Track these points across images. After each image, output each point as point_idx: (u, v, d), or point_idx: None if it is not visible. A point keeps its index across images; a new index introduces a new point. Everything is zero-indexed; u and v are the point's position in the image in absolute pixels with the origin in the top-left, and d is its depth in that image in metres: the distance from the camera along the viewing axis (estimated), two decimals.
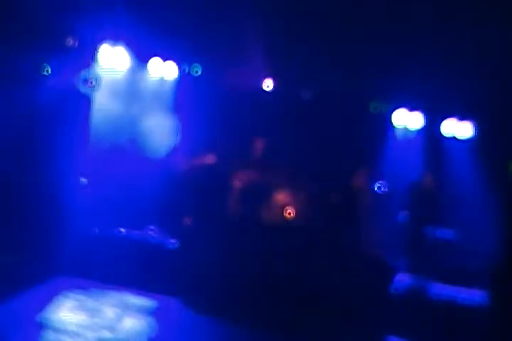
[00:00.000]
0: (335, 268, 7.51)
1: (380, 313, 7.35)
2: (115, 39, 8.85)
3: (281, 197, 9.06)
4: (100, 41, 8.83)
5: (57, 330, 6.01)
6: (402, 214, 9.05)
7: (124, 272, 7.85)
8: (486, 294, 7.72)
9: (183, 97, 9.81)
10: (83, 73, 8.58)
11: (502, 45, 7.97)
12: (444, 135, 9.74)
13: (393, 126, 9.90)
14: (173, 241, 8.42)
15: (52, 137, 8.15)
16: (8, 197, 7.70)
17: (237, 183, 9.18)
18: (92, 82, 8.58)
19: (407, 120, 9.80)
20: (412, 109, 9.69)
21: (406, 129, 9.93)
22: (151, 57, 9.32)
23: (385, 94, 9.56)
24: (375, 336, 7.36)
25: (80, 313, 6.65)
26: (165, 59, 9.39)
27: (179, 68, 9.52)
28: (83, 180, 8.72)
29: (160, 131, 9.69)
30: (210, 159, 9.38)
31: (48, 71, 8.10)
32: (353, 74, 9.04)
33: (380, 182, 9.17)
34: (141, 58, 9.30)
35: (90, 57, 8.81)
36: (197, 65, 9.46)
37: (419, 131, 9.89)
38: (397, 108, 9.71)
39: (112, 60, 9.00)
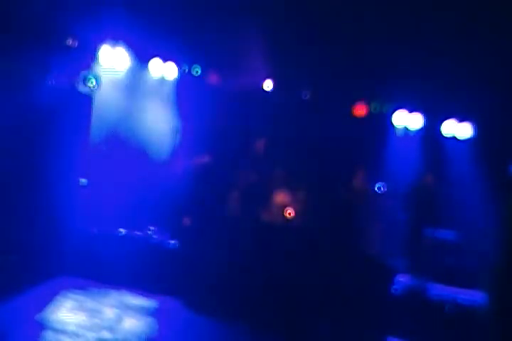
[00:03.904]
0: (335, 268, 7.50)
1: (380, 314, 7.34)
2: (115, 39, 8.86)
3: (281, 197, 9.06)
4: (100, 41, 8.85)
5: (57, 331, 6.01)
6: (402, 214, 9.06)
7: (123, 272, 7.85)
8: (486, 294, 7.71)
9: (183, 97, 9.82)
10: (83, 73, 8.58)
11: (502, 46, 7.97)
12: (444, 135, 9.75)
13: (393, 127, 9.91)
14: (173, 241, 8.42)
15: (53, 137, 8.15)
16: (7, 197, 7.70)
17: (237, 183, 9.18)
18: (92, 82, 8.59)
19: (407, 120, 9.81)
20: (411, 110, 9.70)
21: (406, 129, 9.94)
22: (151, 58, 9.34)
23: (385, 95, 9.57)
24: (375, 336, 7.36)
25: (79, 313, 6.65)
26: (165, 60, 9.41)
27: (179, 69, 9.53)
28: (83, 180, 8.72)
29: (160, 130, 9.70)
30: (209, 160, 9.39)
31: (48, 71, 8.10)
32: (353, 75, 9.04)
33: (380, 182, 9.17)
34: (141, 58, 9.32)
35: (90, 57, 8.82)
36: (197, 65, 9.47)
37: (419, 131, 9.90)
38: (397, 109, 9.72)
39: (112, 60, 9.01)
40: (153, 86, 9.68)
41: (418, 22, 8.07)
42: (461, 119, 9.59)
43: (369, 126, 9.84)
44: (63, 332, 6.01)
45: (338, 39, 8.60)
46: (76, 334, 5.99)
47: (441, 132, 9.77)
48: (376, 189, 9.17)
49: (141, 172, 9.48)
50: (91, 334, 6.07)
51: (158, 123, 9.68)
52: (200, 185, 9.17)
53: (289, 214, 8.88)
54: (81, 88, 8.56)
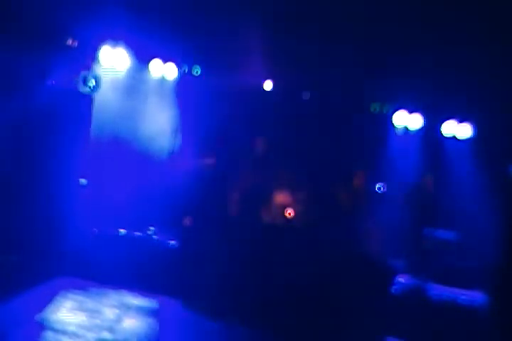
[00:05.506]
0: (334, 268, 7.51)
1: (380, 314, 7.34)
2: (115, 39, 8.86)
3: (281, 197, 9.05)
4: (100, 41, 8.85)
5: (57, 331, 6.00)
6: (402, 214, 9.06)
7: (123, 272, 7.85)
8: (486, 294, 7.72)
9: (183, 97, 9.83)
10: (83, 73, 8.58)
11: (502, 46, 7.97)
12: (444, 135, 9.75)
13: (393, 126, 9.91)
14: (173, 241, 8.42)
15: (53, 138, 8.16)
16: (7, 197, 7.70)
17: (238, 183, 9.18)
18: (92, 82, 8.59)
19: (407, 121, 9.81)
20: (412, 110, 9.69)
21: (406, 129, 9.94)
22: (151, 58, 9.34)
23: (385, 95, 9.57)
24: (375, 337, 7.36)
25: (79, 314, 6.65)
26: (165, 60, 9.41)
27: (179, 69, 9.54)
28: (83, 180, 8.72)
29: (160, 131, 9.69)
30: (210, 160, 9.40)
31: (48, 71, 8.10)
32: (354, 75, 9.04)
33: (380, 182, 9.17)
34: (141, 59, 9.32)
35: (90, 57, 8.82)
36: (197, 65, 9.48)
37: (419, 131, 9.90)
38: (397, 110, 9.72)
39: (112, 60, 9.01)
40: (154, 86, 9.68)
41: (418, 22, 8.07)
42: (461, 120, 9.59)
43: (369, 126, 9.84)
44: (63, 332, 6.01)
45: (339, 39, 8.60)
46: (76, 335, 5.99)
47: (441, 132, 9.77)
48: (376, 189, 9.17)
49: (141, 173, 9.48)
50: (91, 335, 6.07)
51: (158, 124, 9.67)
52: (201, 185, 9.18)
53: (289, 214, 8.88)
54: (81, 88, 8.56)
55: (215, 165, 9.39)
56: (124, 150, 9.46)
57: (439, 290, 8.10)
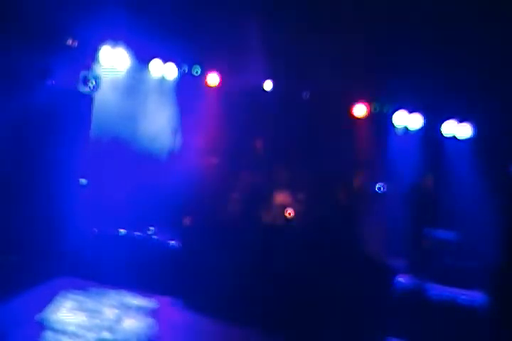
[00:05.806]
0: (335, 268, 7.51)
1: (380, 314, 7.34)
2: (115, 39, 8.87)
3: (281, 197, 9.05)
4: (100, 41, 8.86)
5: (57, 331, 6.01)
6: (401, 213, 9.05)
7: (123, 272, 7.84)
8: (486, 294, 7.71)
9: (183, 97, 9.83)
10: (83, 73, 8.59)
11: (501, 47, 7.97)
12: (444, 135, 9.75)
13: (394, 126, 9.91)
14: (173, 241, 8.42)
15: (53, 137, 8.16)
16: (7, 198, 7.70)
17: (238, 183, 9.18)
18: (92, 82, 8.59)
19: (407, 120, 9.81)
20: (412, 110, 9.70)
21: (406, 129, 9.94)
22: (151, 58, 9.35)
23: (385, 95, 9.57)
24: (375, 337, 7.35)
25: (79, 314, 6.65)
26: (165, 60, 9.41)
27: (179, 69, 9.55)
28: (83, 180, 8.72)
29: (160, 130, 9.70)
30: (210, 160, 9.42)
31: (48, 71, 8.11)
32: (354, 75, 9.04)
33: (380, 182, 9.17)
34: (141, 59, 9.33)
35: (90, 57, 8.83)
36: (197, 65, 9.48)
37: (419, 131, 9.90)
38: (397, 109, 9.72)
39: (112, 60, 9.02)
40: (153, 86, 9.69)
41: (418, 23, 8.07)
42: (461, 120, 9.60)
43: (369, 126, 9.84)
44: (63, 332, 6.01)
45: (339, 39, 8.60)
46: (76, 335, 5.99)
47: (441, 132, 9.77)
48: (376, 189, 9.17)
49: (141, 173, 9.48)
50: (91, 335, 6.07)
51: (158, 124, 9.68)
52: (201, 185, 9.19)
53: (289, 214, 8.87)
54: (81, 88, 8.56)
55: (216, 165, 9.40)
56: (124, 150, 9.46)
57: (439, 290, 8.10)
